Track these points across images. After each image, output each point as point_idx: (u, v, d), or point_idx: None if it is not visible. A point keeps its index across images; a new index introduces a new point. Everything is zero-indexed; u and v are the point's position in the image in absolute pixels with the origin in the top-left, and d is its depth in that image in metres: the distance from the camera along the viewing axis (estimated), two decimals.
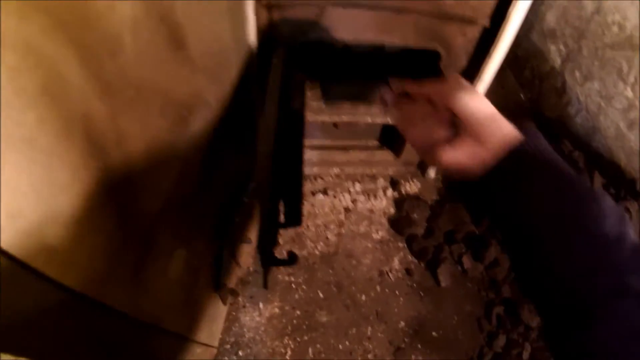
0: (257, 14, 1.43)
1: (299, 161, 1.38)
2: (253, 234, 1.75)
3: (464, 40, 1.58)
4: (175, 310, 1.33)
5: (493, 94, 2.60)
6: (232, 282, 1.83)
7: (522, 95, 2.58)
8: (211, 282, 1.74)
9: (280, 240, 2.16)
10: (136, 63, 0.77)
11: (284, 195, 1.29)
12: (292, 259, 1.22)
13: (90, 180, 0.70)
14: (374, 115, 1.86)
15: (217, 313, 1.82)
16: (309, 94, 1.81)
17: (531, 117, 2.43)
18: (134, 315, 0.97)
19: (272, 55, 1.46)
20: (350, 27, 1.50)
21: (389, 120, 1.90)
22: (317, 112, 1.85)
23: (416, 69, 1.82)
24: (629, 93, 2.06)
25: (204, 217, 1.44)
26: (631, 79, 2.04)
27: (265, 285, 1.37)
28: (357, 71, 1.75)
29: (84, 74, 0.62)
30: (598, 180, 2.11)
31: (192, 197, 1.28)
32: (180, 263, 1.29)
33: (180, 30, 0.97)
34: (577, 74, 2.28)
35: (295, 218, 1.43)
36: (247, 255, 1.81)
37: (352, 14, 1.45)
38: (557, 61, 2.40)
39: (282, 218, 1.41)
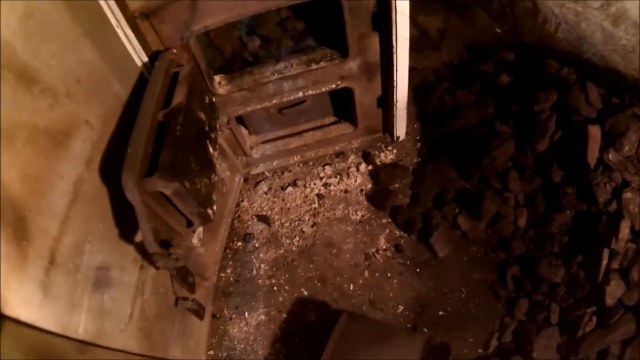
0: (136, 26, 1.49)
1: (189, 159, 1.40)
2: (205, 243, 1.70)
3: None
4: (131, 329, 1.40)
5: (463, 37, 2.43)
6: (198, 296, 1.77)
7: (497, 29, 2.37)
8: (173, 299, 1.70)
9: (256, 243, 2.11)
10: None
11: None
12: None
13: None
14: (302, 89, 1.82)
15: (191, 329, 1.81)
16: (228, 87, 1.79)
17: (512, 49, 2.21)
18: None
19: (156, 60, 1.53)
20: (228, 4, 1.50)
21: (322, 89, 1.84)
22: (244, 102, 1.83)
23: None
24: None
25: (129, 232, 1.46)
26: None
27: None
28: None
29: None
30: (593, 92, 1.86)
31: (104, 212, 1.35)
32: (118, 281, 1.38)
33: (30, 69, 1.11)
34: None
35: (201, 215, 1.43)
36: (203, 265, 1.76)
37: None
38: None
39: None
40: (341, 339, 1.62)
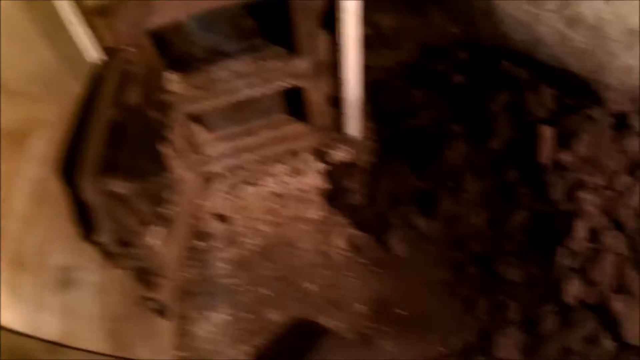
0: (92, 24, 1.48)
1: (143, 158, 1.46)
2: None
3: None
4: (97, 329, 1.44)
5: (418, 36, 2.44)
6: (163, 296, 1.75)
7: (453, 29, 2.39)
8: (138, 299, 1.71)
9: (216, 243, 2.12)
10: None
11: None
12: None
13: None
14: (254, 87, 1.82)
15: (157, 329, 1.83)
16: (181, 85, 1.80)
17: (467, 49, 2.24)
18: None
19: (111, 58, 1.54)
20: (182, 2, 1.52)
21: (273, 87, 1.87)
22: (198, 100, 1.83)
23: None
24: None
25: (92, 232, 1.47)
26: None
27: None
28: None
29: None
30: (547, 93, 1.91)
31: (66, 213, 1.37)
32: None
33: None
34: None
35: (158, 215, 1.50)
36: (164, 265, 1.72)
37: None
38: None
39: None
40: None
